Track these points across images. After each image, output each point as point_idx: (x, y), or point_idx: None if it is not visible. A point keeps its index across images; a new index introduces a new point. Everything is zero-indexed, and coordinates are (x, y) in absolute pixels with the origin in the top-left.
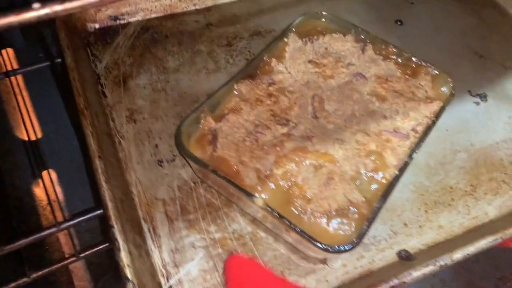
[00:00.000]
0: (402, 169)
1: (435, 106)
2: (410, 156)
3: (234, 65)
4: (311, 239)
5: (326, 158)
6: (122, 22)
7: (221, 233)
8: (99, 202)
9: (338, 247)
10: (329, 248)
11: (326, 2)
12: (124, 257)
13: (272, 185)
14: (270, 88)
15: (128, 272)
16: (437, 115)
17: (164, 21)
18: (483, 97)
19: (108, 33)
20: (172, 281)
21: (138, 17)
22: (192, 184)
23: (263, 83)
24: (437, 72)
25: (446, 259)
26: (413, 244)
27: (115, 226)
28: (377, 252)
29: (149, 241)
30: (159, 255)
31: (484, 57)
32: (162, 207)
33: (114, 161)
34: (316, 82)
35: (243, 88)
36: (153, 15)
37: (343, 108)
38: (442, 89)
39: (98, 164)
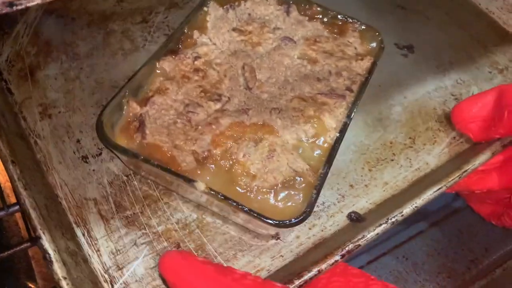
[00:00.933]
0: (342, 130)
1: (367, 62)
2: (349, 117)
3: (153, 43)
4: (260, 216)
5: (265, 130)
6: (20, 7)
7: (164, 225)
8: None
9: (289, 220)
10: (280, 222)
11: None
12: (58, 269)
13: (212, 167)
14: (196, 62)
15: (65, 285)
16: (370, 71)
17: (69, 1)
18: (410, 48)
19: (4, 22)
20: (117, 286)
21: (38, 0)
22: (125, 178)
23: (187, 57)
24: (364, 27)
25: (397, 215)
26: (362, 204)
27: (43, 236)
28: (328, 218)
29: (85, 246)
30: (99, 260)
31: (405, 8)
32: (94, 207)
33: (32, 164)
34: (244, 51)
35: (166, 65)
36: None
37: (275, 75)
38: (371, 44)
39: (12, 169)
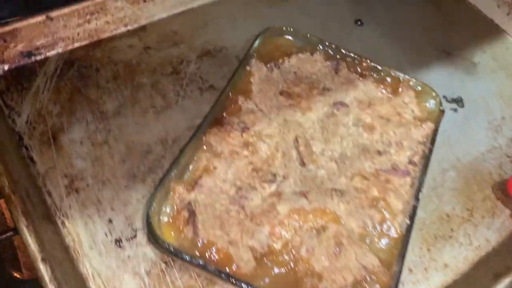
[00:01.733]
0: (412, 216)
1: (427, 129)
2: (416, 198)
3: (187, 97)
4: None
5: (327, 217)
6: (39, 58)
7: None
8: None
9: None
10: None
11: (277, 7)
12: None
13: (273, 267)
14: (245, 134)
15: None
16: (432, 140)
17: (91, 50)
18: (459, 102)
19: (22, 75)
20: None
21: (58, 49)
22: (163, 265)
23: (234, 129)
24: (420, 84)
25: None
26: None
27: None
28: None
29: None
30: None
31: (451, 54)
32: None
33: (61, 252)
34: (294, 119)
35: (212, 139)
36: (77, 44)
37: (331, 147)
38: (428, 103)
39: (43, 269)
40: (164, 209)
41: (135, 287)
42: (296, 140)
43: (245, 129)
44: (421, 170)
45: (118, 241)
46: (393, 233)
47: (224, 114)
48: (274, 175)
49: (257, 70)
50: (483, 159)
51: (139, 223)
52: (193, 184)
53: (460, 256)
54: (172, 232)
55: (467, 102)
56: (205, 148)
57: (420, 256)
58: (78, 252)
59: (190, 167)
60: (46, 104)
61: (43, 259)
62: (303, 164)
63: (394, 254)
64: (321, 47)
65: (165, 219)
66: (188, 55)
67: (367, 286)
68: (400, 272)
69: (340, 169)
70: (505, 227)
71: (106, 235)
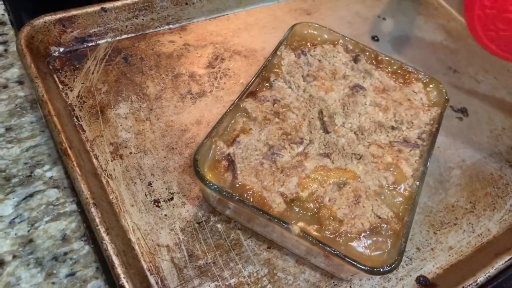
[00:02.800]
0: (422, 178)
1: (434, 113)
2: (425, 165)
3: (220, 88)
4: (354, 262)
5: (348, 175)
6: (90, 44)
7: (236, 278)
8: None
9: (383, 268)
10: (374, 269)
11: (300, 21)
12: None
13: (300, 211)
14: (276, 105)
15: None
16: (438, 122)
17: (137, 41)
18: (464, 112)
19: (75, 57)
20: None
21: (108, 38)
22: (196, 225)
23: (267, 100)
24: (428, 79)
25: (472, 284)
26: (429, 268)
27: (126, 285)
28: (397, 282)
29: None
30: None
31: (457, 71)
32: (167, 254)
33: (107, 205)
34: (319, 95)
35: (248, 106)
36: (124, 36)
37: (351, 120)
38: (435, 94)
39: (94, 213)
40: (207, 159)
41: (171, 241)
42: (320, 112)
43: (276, 101)
44: (428, 145)
45: (156, 202)
46: (405, 192)
47: (257, 89)
48: (302, 138)
49: (287, 56)
50: (485, 162)
51: (175, 188)
52: (232, 141)
53: (464, 241)
54: (212, 178)
55: (471, 113)
56: (242, 113)
57: (427, 238)
58: (120, 207)
59: (229, 128)
60: (95, 83)
61: (94, 204)
62: (326, 132)
63: (406, 209)
64: (342, 41)
65: (208, 166)
66: (222, 53)
67: (382, 232)
68: (411, 222)
69: (358, 139)
70: (505, 220)
71: (145, 195)
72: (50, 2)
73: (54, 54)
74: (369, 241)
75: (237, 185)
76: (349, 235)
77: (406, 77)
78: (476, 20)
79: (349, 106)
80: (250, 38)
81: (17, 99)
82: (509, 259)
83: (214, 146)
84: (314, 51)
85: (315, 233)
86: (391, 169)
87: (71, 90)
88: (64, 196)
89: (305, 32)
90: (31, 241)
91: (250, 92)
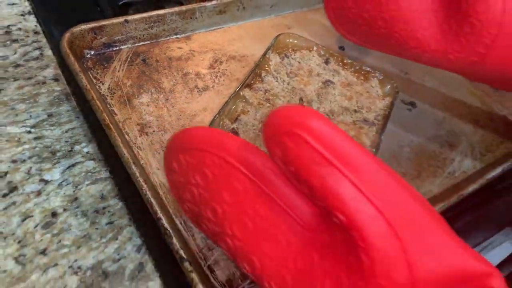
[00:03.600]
0: (377, 147)
1: (387, 101)
2: (380, 137)
3: (220, 84)
4: None
5: None
6: (115, 49)
7: None
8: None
9: None
10: None
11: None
12: (176, 242)
13: None
14: (266, 94)
15: (183, 253)
16: (390, 107)
17: (152, 47)
18: (413, 104)
19: (104, 59)
20: (209, 261)
21: (128, 44)
22: None
23: (260, 90)
24: (382, 77)
25: None
26: None
27: (162, 218)
28: None
29: (183, 233)
30: (194, 243)
31: (408, 73)
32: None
33: (140, 166)
34: (299, 87)
35: (246, 94)
36: (141, 43)
37: (324, 106)
38: (387, 87)
39: (134, 169)
40: None
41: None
42: (301, 99)
43: (266, 91)
44: (383, 124)
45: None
46: None
47: (252, 82)
48: None
49: (274, 58)
50: (429, 142)
51: None
52: (234, 119)
53: None
54: None
55: (419, 105)
56: (241, 100)
57: None
58: (149, 170)
59: (232, 110)
60: (121, 79)
61: (134, 162)
62: None
63: None
64: (315, 48)
65: None
66: (220, 58)
67: None
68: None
69: (329, 119)
70: (443, 183)
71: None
72: (71, 17)
73: (87, 56)
74: None
75: None
76: None
77: (366, 75)
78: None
79: (322, 95)
80: (242, 46)
81: (54, 92)
82: (442, 206)
83: (221, 122)
84: (294, 55)
85: None
86: (355, 139)
87: (103, 84)
88: (99, 166)
89: (287, 40)
90: (76, 198)
91: (247, 84)
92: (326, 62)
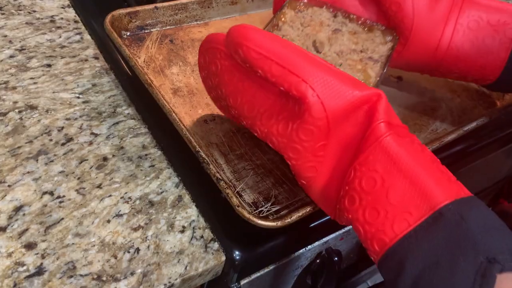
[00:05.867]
0: (380, 77)
1: (389, 45)
2: (383, 71)
3: None
4: None
5: None
6: (146, 31)
7: (260, 161)
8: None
9: None
10: None
11: None
12: (213, 167)
13: None
14: (284, 38)
15: (219, 175)
16: (391, 49)
17: (177, 31)
18: (400, 78)
19: (137, 39)
20: (237, 190)
21: (157, 28)
22: (231, 133)
23: (278, 35)
24: (384, 28)
25: None
26: None
27: (201, 150)
28: None
29: (215, 169)
30: (224, 175)
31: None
32: (216, 147)
33: (178, 119)
34: (312, 34)
35: None
36: (168, 27)
37: (334, 48)
38: (389, 37)
39: (175, 116)
40: None
41: (218, 141)
42: (314, 41)
43: (284, 36)
44: (385, 62)
45: (205, 121)
46: (370, 84)
47: (271, 30)
48: None
49: (288, 12)
50: (415, 107)
51: (217, 112)
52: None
53: None
54: None
55: (405, 79)
56: None
57: None
58: (185, 124)
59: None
60: (154, 54)
61: (174, 112)
62: (318, 52)
63: None
64: (325, 6)
65: None
66: None
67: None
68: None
69: (339, 56)
70: (427, 137)
71: (199, 117)
72: (103, 9)
73: (124, 36)
74: None
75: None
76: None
77: (370, 27)
78: None
79: (332, 40)
80: None
81: (95, 68)
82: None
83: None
84: (306, 11)
85: None
86: (361, 72)
87: (139, 58)
88: (139, 124)
89: (298, 1)
90: (122, 147)
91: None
92: (335, 16)
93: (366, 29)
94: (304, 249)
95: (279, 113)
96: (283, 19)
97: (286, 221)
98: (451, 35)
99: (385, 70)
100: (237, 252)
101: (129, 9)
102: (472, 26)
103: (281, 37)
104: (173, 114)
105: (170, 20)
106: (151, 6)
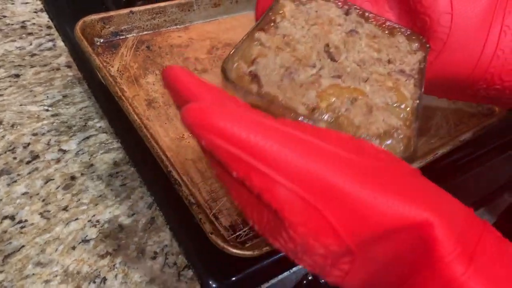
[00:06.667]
0: (419, 98)
1: (419, 56)
2: (421, 88)
3: (217, 67)
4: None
5: (358, 92)
6: (121, 37)
7: None
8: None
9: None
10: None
11: None
12: (185, 189)
13: (321, 117)
14: (285, 38)
15: (192, 199)
16: (424, 61)
17: (155, 36)
18: None
19: (111, 46)
20: (214, 210)
21: (133, 33)
22: None
23: (277, 34)
24: (409, 32)
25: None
26: None
27: (173, 170)
28: None
29: (190, 187)
30: (200, 196)
31: None
32: (193, 164)
33: (149, 133)
34: (322, 34)
35: (262, 37)
36: (145, 32)
37: (352, 55)
38: (416, 45)
39: (146, 132)
40: (231, 75)
41: (195, 157)
42: (326, 45)
43: (285, 35)
44: (420, 79)
45: (181, 136)
46: (407, 109)
47: (266, 27)
48: (314, 63)
49: (288, 4)
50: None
51: None
52: (251, 61)
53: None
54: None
55: None
56: (256, 42)
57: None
58: (157, 138)
59: (246, 53)
60: (129, 62)
61: (145, 126)
62: (334, 60)
63: (411, 120)
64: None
65: (234, 79)
66: (216, 45)
67: (395, 135)
68: (417, 127)
69: (361, 68)
70: (421, 148)
71: (174, 132)
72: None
73: (97, 44)
74: (384, 143)
75: (263, 93)
76: (367, 137)
77: (391, 30)
78: None
79: (349, 45)
80: (235, 35)
81: (68, 77)
82: (419, 163)
83: (236, 65)
84: (310, 4)
85: None
86: (393, 91)
87: (112, 67)
88: (111, 138)
89: None
90: (92, 165)
91: (260, 28)
92: (347, 13)
93: (386, 32)
94: (288, 272)
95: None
96: (281, 12)
97: (264, 249)
98: (498, 39)
99: (422, 90)
100: (213, 281)
101: (102, 14)
102: None
103: (282, 37)
104: (144, 130)
105: (147, 25)
106: (126, 10)
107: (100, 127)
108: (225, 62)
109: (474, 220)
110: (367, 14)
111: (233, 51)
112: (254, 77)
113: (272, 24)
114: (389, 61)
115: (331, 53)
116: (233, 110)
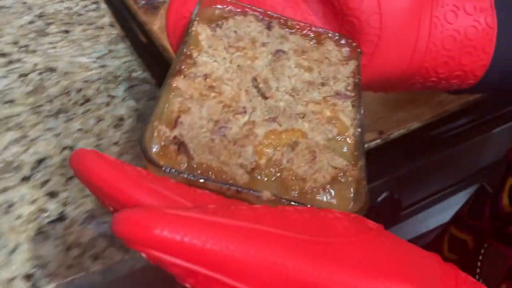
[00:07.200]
0: (360, 125)
1: (352, 65)
2: (360, 112)
3: None
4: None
5: (297, 134)
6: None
7: None
8: None
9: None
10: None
11: None
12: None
13: (263, 177)
14: (208, 80)
15: None
16: (358, 72)
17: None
18: None
19: (152, 7)
20: None
21: None
22: None
23: (197, 76)
24: (338, 36)
25: None
26: None
27: None
28: None
29: None
30: None
31: None
32: None
33: None
34: (247, 65)
35: (181, 85)
36: None
37: (283, 84)
38: (346, 49)
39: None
40: (153, 148)
41: None
42: (254, 79)
43: (206, 76)
44: (357, 94)
45: None
46: (349, 141)
47: (184, 67)
48: (244, 108)
49: (202, 31)
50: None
51: None
52: (174, 123)
53: None
54: (167, 164)
55: None
56: (176, 93)
57: None
58: None
59: (166, 110)
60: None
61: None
62: (265, 98)
63: (356, 155)
64: (250, 11)
65: (157, 154)
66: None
67: (342, 180)
68: (365, 166)
69: (295, 100)
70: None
71: None
72: None
73: (139, 4)
74: (332, 192)
75: (195, 166)
76: (314, 189)
77: (318, 37)
78: None
79: (277, 70)
80: None
81: (112, 35)
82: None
83: (156, 132)
84: (227, 23)
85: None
86: (333, 121)
87: (154, 25)
88: (153, 88)
89: (213, 6)
90: (137, 109)
91: (177, 71)
92: (269, 27)
93: (314, 41)
94: None
95: None
96: (197, 45)
97: None
98: (428, 33)
99: (362, 111)
100: None
101: None
102: (450, 18)
103: (204, 79)
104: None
105: None
106: None
107: (143, 78)
108: (142, 136)
109: (444, 274)
110: (289, 22)
111: (150, 116)
112: (180, 145)
113: (189, 60)
114: (322, 84)
115: (260, 89)
116: (172, 214)
